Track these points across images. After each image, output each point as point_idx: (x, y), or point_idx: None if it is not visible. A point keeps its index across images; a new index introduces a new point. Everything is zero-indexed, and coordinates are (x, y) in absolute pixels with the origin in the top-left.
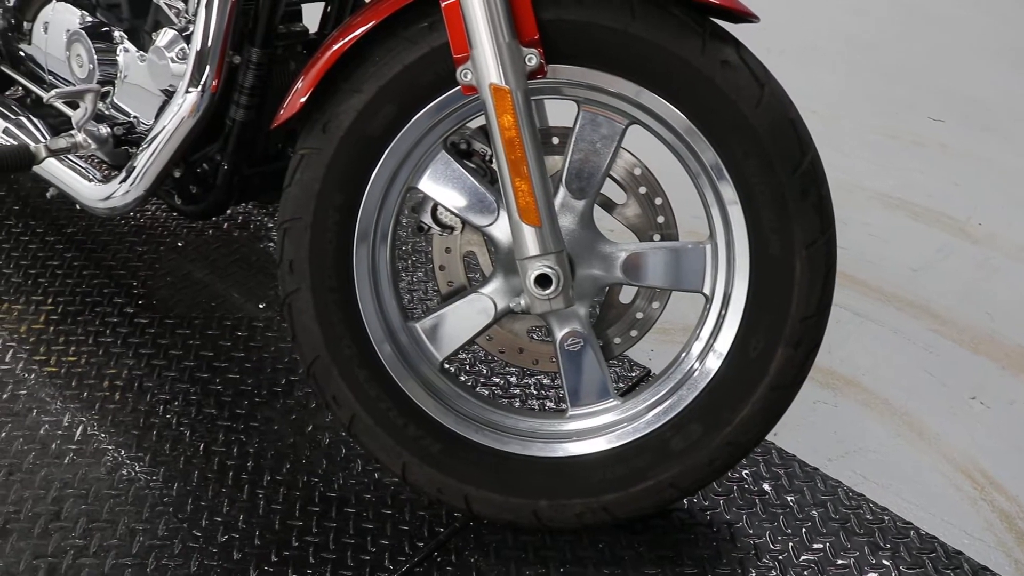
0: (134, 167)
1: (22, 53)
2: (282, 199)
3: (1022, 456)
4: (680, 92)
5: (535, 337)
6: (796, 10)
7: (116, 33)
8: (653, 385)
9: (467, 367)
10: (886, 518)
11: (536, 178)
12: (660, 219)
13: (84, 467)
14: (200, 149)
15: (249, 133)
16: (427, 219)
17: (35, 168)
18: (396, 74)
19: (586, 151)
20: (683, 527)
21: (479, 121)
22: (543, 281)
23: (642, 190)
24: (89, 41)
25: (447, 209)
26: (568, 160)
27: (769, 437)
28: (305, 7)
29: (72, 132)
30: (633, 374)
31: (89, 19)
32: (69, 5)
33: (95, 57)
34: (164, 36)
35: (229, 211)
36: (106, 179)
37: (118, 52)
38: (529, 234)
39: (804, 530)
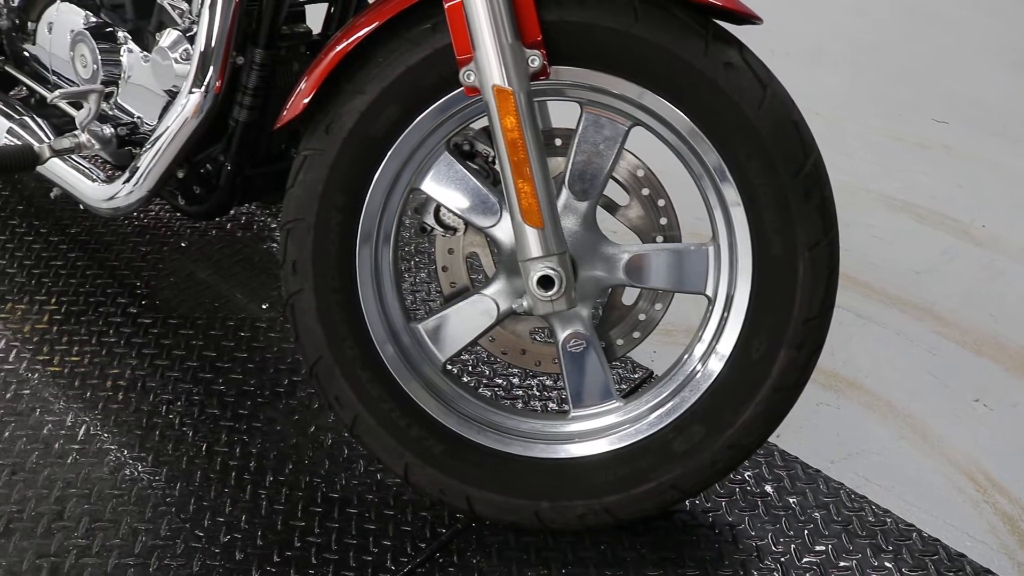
0: (138, 167)
1: (26, 53)
2: (285, 200)
3: None
4: (683, 94)
5: (537, 338)
6: (798, 11)
7: (120, 34)
8: (655, 387)
9: (469, 368)
10: (888, 520)
11: (539, 180)
12: (663, 221)
13: (87, 467)
14: (203, 150)
15: (252, 134)
16: (430, 220)
17: (39, 168)
18: (399, 75)
19: (589, 153)
20: (685, 529)
21: (482, 122)
22: (546, 282)
23: (645, 192)
24: (93, 41)
25: (450, 210)
26: (571, 162)
27: (771, 439)
28: (309, 8)
29: (76, 132)
30: (636, 376)
31: (93, 19)
32: (73, 5)
33: (99, 57)
34: (168, 37)
35: (232, 211)
36: (110, 179)
37: (122, 52)
38: (532, 235)
39: (806, 532)
